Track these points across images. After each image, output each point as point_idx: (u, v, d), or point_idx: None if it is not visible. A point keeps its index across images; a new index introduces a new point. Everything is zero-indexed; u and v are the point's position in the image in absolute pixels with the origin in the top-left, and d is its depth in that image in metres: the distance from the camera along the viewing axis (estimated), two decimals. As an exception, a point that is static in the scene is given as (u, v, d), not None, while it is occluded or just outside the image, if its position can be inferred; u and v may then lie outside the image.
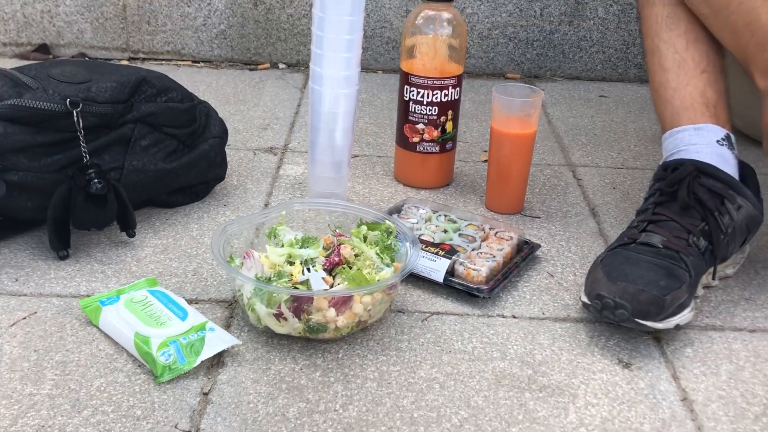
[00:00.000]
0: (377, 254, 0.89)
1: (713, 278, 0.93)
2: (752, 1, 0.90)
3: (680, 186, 0.91)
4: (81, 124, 0.96)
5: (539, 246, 1.03)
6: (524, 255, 1.00)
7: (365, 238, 0.92)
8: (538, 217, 1.13)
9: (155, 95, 1.05)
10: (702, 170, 0.92)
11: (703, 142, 0.95)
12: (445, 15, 1.13)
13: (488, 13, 1.68)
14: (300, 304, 0.81)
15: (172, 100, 1.06)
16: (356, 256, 0.89)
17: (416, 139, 1.17)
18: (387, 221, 0.92)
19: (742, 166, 1.00)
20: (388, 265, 0.88)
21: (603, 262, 0.88)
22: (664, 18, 0.99)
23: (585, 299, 0.87)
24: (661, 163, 0.97)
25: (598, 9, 1.67)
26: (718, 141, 0.95)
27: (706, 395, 0.79)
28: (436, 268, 0.94)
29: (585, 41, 1.70)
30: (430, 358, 0.83)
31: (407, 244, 0.90)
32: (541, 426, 0.75)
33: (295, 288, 0.83)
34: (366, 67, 1.72)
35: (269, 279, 0.83)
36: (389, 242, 0.90)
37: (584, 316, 0.91)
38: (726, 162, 0.95)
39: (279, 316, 0.81)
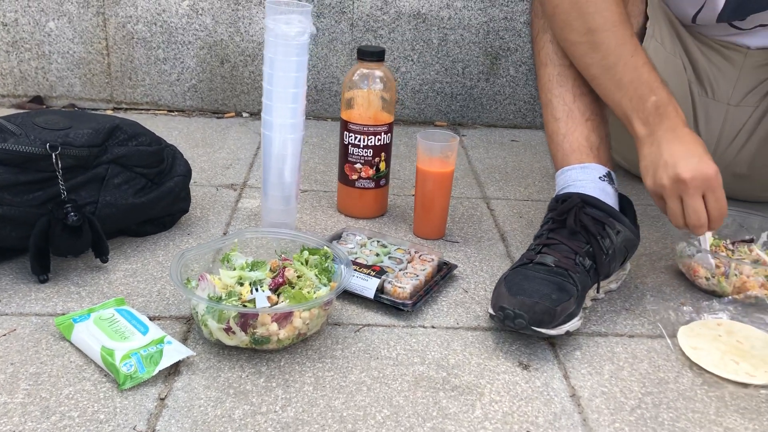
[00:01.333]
0: (316, 275, 0.88)
1: (597, 291, 0.93)
2: (636, 62, 0.93)
3: (568, 215, 0.92)
4: (60, 165, 0.93)
5: (456, 266, 1.03)
6: (443, 274, 1.00)
7: (307, 262, 0.91)
8: (457, 242, 1.13)
9: (127, 140, 1.03)
10: (587, 201, 0.93)
11: (588, 179, 0.97)
12: (377, 72, 1.13)
13: (419, 72, 1.69)
14: (246, 320, 0.79)
15: (142, 143, 1.04)
16: (298, 277, 0.88)
17: (355, 177, 1.17)
18: (325, 247, 0.91)
19: (622, 198, 1.02)
20: (325, 285, 0.87)
21: (506, 279, 0.89)
22: (555, 76, 1.01)
23: (491, 311, 0.87)
24: (554, 197, 0.98)
25: (510, 69, 1.69)
26: (600, 177, 0.97)
27: (591, 391, 0.80)
28: (367, 286, 0.93)
29: (499, 95, 1.72)
30: (360, 364, 0.82)
31: (342, 266, 0.89)
32: (452, 421, 0.74)
33: (243, 306, 0.82)
34: (318, 116, 1.72)
35: (220, 298, 0.82)
36: (327, 265, 0.89)
37: (492, 325, 0.91)
38: (607, 195, 0.96)
39: (228, 330, 0.79)
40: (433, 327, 0.90)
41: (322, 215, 1.20)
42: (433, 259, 1.01)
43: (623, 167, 1.47)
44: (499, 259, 1.09)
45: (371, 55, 1.12)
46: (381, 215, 1.21)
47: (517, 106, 1.73)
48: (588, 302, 0.95)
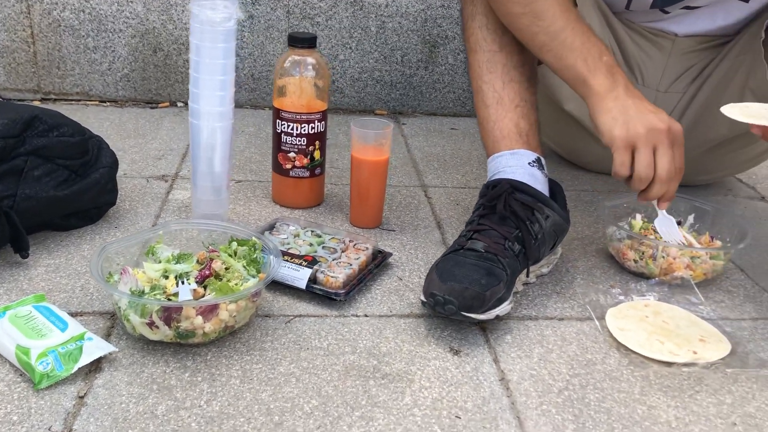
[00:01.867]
0: (244, 267, 0.86)
1: (527, 276, 0.94)
2: (582, 27, 0.93)
3: (498, 201, 0.93)
4: (-28, 157, 0.89)
5: (391, 254, 1.03)
6: (378, 262, 0.99)
7: (235, 253, 0.89)
8: (393, 230, 1.13)
9: (47, 130, 0.99)
10: (516, 187, 0.94)
11: (518, 164, 0.97)
12: (309, 59, 1.12)
13: (358, 60, 1.68)
14: (170, 314, 0.77)
15: (64, 134, 1.00)
16: (226, 269, 0.86)
17: (289, 166, 1.15)
18: (254, 238, 0.90)
19: (552, 183, 1.03)
20: (253, 276, 0.85)
21: (437, 265, 0.89)
22: (485, 63, 1.01)
23: (422, 298, 0.87)
24: (484, 183, 0.98)
25: (449, 57, 1.70)
26: (529, 163, 0.98)
27: (521, 375, 0.80)
28: (299, 276, 0.91)
29: (439, 83, 1.72)
30: (290, 355, 0.81)
31: (271, 257, 0.87)
32: (381, 409, 0.73)
33: (168, 299, 0.80)
34: (255, 105, 1.69)
35: (142, 292, 0.79)
36: (255, 256, 0.88)
37: (424, 312, 0.91)
38: (536, 180, 0.97)
39: (151, 324, 0.77)
40: (365, 316, 0.90)
41: (256, 206, 1.18)
42: (367, 248, 1.00)
43: (557, 153, 1.49)
44: (435, 246, 1.09)
45: (302, 41, 1.10)
46: (317, 205, 1.20)
47: (456, 94, 1.73)
48: (519, 286, 0.96)
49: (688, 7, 1.16)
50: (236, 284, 0.83)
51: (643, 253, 1.03)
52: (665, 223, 1.01)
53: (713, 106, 1.21)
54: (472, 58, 1.03)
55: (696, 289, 0.98)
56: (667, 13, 1.18)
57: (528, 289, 0.98)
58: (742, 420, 0.75)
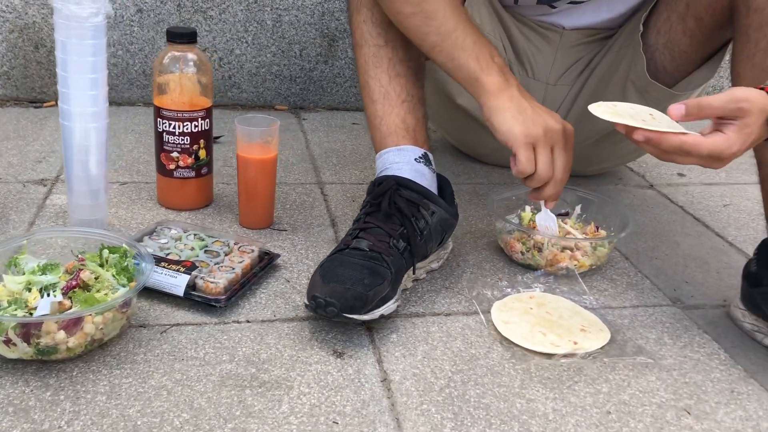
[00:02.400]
0: (114, 276, 0.82)
1: (413, 272, 0.94)
2: (472, 27, 0.93)
3: (383, 198, 0.92)
4: None
5: (278, 255, 1.00)
6: (264, 265, 0.97)
7: (107, 261, 0.84)
8: (285, 230, 1.10)
9: None
10: (401, 184, 0.93)
11: (404, 161, 0.96)
12: (190, 55, 1.07)
13: (255, 54, 1.64)
14: (29, 330, 0.72)
15: None
16: (96, 278, 0.82)
17: (172, 166, 1.11)
18: (125, 244, 0.86)
19: (440, 179, 1.03)
20: (124, 285, 0.81)
21: (322, 266, 0.87)
22: (370, 57, 1.00)
23: (305, 300, 0.85)
24: (371, 180, 0.97)
25: (348, 50, 1.68)
26: (416, 159, 0.97)
27: (403, 374, 0.80)
28: (176, 283, 0.88)
29: (339, 77, 1.70)
30: (163, 367, 0.77)
31: (143, 264, 0.83)
32: (256, 419, 0.71)
33: (30, 314, 0.75)
34: (147, 102, 1.62)
35: (-3, 307, 0.74)
36: (126, 264, 0.83)
37: (311, 314, 0.89)
38: (422, 176, 0.96)
39: (8, 342, 0.72)
40: (247, 321, 0.87)
41: (140, 209, 1.13)
42: (253, 250, 0.97)
43: (454, 145, 1.50)
44: (327, 245, 1.07)
45: (180, 36, 1.06)
46: (206, 206, 1.16)
47: (357, 88, 1.72)
48: (408, 283, 0.95)
49: (573, 2, 1.18)
50: (105, 294, 0.79)
51: (529, 245, 1.04)
52: (546, 219, 1.03)
53: (599, 98, 1.23)
54: (358, 53, 1.02)
55: (580, 279, 1.00)
56: (554, 8, 1.20)
57: (418, 285, 0.98)
58: (617, 408, 0.77)
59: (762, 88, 0.78)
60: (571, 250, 1.04)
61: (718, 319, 0.96)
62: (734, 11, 0.98)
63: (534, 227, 1.07)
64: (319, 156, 1.43)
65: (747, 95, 0.76)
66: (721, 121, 0.77)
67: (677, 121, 0.77)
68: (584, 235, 1.08)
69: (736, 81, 0.96)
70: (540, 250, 1.03)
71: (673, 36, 1.12)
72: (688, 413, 0.77)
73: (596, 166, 1.40)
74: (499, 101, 0.92)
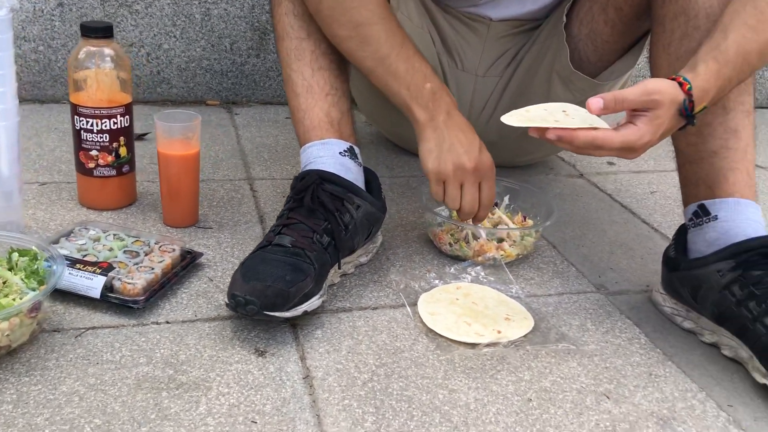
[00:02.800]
0: (23, 280, 0.79)
1: (339, 267, 0.93)
2: (407, 52, 0.95)
3: (306, 193, 0.91)
4: None
5: (201, 254, 0.98)
6: (185, 264, 0.95)
7: (16, 265, 0.81)
8: (211, 228, 1.08)
9: None
10: (324, 178, 0.92)
11: (328, 155, 0.96)
12: (107, 51, 1.04)
13: (184, 48, 1.60)
14: (-73, 339, 0.69)
15: None
16: (4, 283, 0.79)
17: (92, 165, 1.07)
18: (35, 247, 0.83)
19: (368, 173, 1.02)
20: (34, 290, 0.78)
21: (243, 264, 0.86)
22: (293, 50, 0.99)
23: (225, 299, 0.83)
24: (295, 175, 0.96)
25: (281, 43, 1.66)
26: (340, 153, 0.96)
27: (326, 370, 0.79)
28: (92, 285, 0.85)
29: (272, 71, 1.68)
30: (76, 372, 0.75)
31: (55, 266, 0.80)
32: (171, 421, 0.69)
33: (-72, 322, 0.71)
34: (72, 100, 1.57)
35: None
36: (36, 267, 0.81)
37: (233, 314, 0.87)
38: (348, 170, 0.96)
39: None
40: (167, 322, 0.85)
41: (60, 210, 1.09)
42: (174, 249, 0.95)
43: (393, 141, 1.50)
44: (254, 242, 1.05)
45: (95, 31, 1.03)
46: (129, 205, 1.13)
47: (291, 82, 1.70)
48: (335, 279, 0.95)
49: None
50: (13, 299, 0.76)
51: (458, 237, 1.05)
52: None
53: (526, 89, 1.26)
54: (280, 46, 1.01)
55: (506, 268, 1.01)
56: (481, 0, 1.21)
57: (345, 280, 0.97)
58: (538, 395, 0.78)
59: (674, 79, 0.80)
60: (502, 240, 1.05)
61: (641, 304, 0.98)
62: (651, 1, 1.00)
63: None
64: (250, 151, 1.41)
65: (659, 87, 0.78)
66: (634, 113, 0.79)
67: (597, 115, 0.78)
68: (514, 225, 1.09)
69: (653, 70, 0.98)
70: (468, 241, 1.04)
71: (595, 26, 1.14)
72: (608, 397, 0.79)
73: (527, 156, 1.42)
74: (425, 132, 0.96)
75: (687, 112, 0.80)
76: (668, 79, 0.80)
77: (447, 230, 1.05)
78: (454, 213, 1.10)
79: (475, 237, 1.04)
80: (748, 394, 0.81)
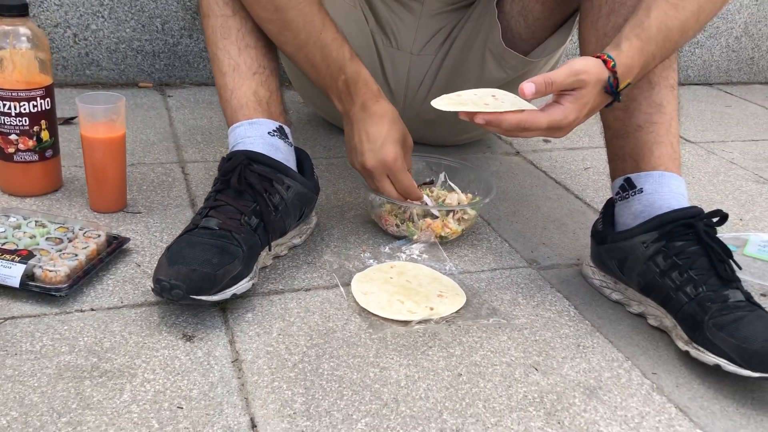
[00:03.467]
0: (-67, 270, 0.76)
1: (269, 250, 0.92)
2: (324, 39, 0.94)
3: (233, 174, 0.89)
4: None
5: (128, 239, 0.96)
6: (112, 250, 0.92)
7: (-74, 255, 0.78)
8: (140, 212, 1.06)
9: None
10: (252, 158, 0.91)
11: (256, 135, 0.94)
12: (22, 30, 1.00)
13: (113, 29, 1.55)
14: None
15: None
16: None
17: (12, 150, 1.03)
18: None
19: (300, 153, 1.01)
20: (-55, 279, 0.75)
21: (169, 248, 0.84)
22: (218, 28, 0.96)
23: (150, 284, 0.82)
24: (223, 156, 0.94)
25: (214, 23, 1.62)
26: (269, 132, 0.95)
27: (256, 353, 0.78)
28: (11, 274, 0.82)
29: (206, 51, 1.62)
30: (-8, 364, 0.73)
31: (-32, 255, 0.77)
32: (93, 410, 0.68)
33: None
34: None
35: None
36: (-53, 256, 0.77)
37: (160, 299, 0.85)
38: (277, 150, 0.94)
39: None
40: (92, 310, 0.83)
41: (-21, 197, 1.05)
42: (99, 235, 0.93)
43: (328, 120, 1.48)
44: (184, 226, 1.02)
45: (9, 9, 0.98)
46: (54, 191, 1.09)
47: (226, 63, 1.66)
48: (268, 261, 0.94)
49: None
50: None
51: (404, 218, 1.04)
52: None
53: (461, 67, 1.26)
54: (206, 23, 0.98)
55: (440, 246, 1.02)
56: None
57: (278, 262, 0.96)
58: (468, 369, 0.79)
59: (599, 57, 0.81)
60: (434, 217, 1.06)
61: (571, 277, 1.00)
62: (579, -22, 1.01)
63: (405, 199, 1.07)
64: (183, 134, 1.38)
65: (584, 67, 0.79)
66: (561, 92, 0.80)
67: (529, 100, 0.79)
68: (450, 203, 1.09)
69: (582, 46, 0.99)
70: (413, 221, 1.04)
71: (526, 3, 1.15)
72: (536, 369, 0.80)
73: (465, 135, 1.43)
74: (345, 125, 1.00)
75: (612, 89, 0.81)
76: (593, 57, 0.81)
77: (390, 211, 1.05)
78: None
79: (421, 216, 1.04)
80: (672, 362, 0.84)
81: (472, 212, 1.06)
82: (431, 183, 1.15)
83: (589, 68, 0.79)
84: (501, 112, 0.79)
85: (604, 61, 0.80)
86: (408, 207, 1.03)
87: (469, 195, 1.12)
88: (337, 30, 0.96)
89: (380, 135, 0.96)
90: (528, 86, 0.78)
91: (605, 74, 0.80)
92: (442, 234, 1.04)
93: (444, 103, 0.82)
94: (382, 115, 0.97)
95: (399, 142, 0.97)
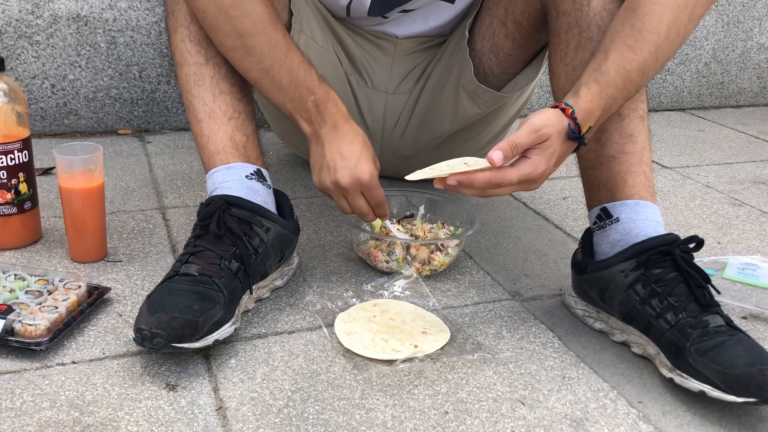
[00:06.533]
0: None
1: (251, 293, 0.92)
2: (291, 63, 0.94)
3: (212, 219, 0.89)
4: None
5: (109, 289, 0.95)
6: (92, 300, 0.92)
7: None
8: (120, 261, 1.05)
9: None
10: (230, 202, 0.91)
11: (234, 179, 0.95)
12: (-2, 84, 1.01)
13: (90, 78, 1.56)
14: None
15: None
16: None
17: (-10, 204, 1.03)
18: None
19: (279, 195, 1.02)
20: None
21: (150, 296, 0.83)
22: (192, 77, 0.98)
23: (132, 334, 0.81)
24: (202, 201, 0.95)
25: (192, 69, 1.63)
26: (247, 176, 0.96)
27: (240, 400, 0.78)
28: (-11, 330, 0.82)
29: (185, 97, 1.65)
30: (-29, 423, 0.71)
31: (-55, 313, 0.77)
32: (75, 467, 0.67)
33: None
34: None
35: None
36: (-76, 315, 0.76)
37: (143, 349, 0.85)
38: (255, 193, 0.95)
39: None
40: (73, 363, 0.82)
41: (-43, 252, 1.04)
42: (79, 286, 0.92)
43: (304, 157, 1.49)
44: (165, 273, 1.03)
45: (-15, 64, 0.99)
46: (34, 242, 1.09)
47: (205, 107, 1.68)
48: (250, 305, 0.94)
49: (404, 11, 1.21)
50: None
51: (395, 253, 1.05)
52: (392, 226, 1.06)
53: (436, 103, 1.28)
54: (180, 73, 0.99)
55: (422, 282, 1.02)
56: (386, 18, 1.23)
57: (260, 305, 0.96)
58: (455, 407, 0.78)
59: (557, 106, 0.84)
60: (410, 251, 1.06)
61: (554, 308, 1.00)
62: (547, 15, 1.03)
63: (387, 233, 1.08)
64: (163, 179, 1.38)
65: (544, 121, 0.82)
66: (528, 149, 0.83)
67: (499, 166, 0.82)
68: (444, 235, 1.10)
69: (552, 80, 1.01)
70: (409, 257, 1.04)
71: (496, 40, 1.17)
72: (523, 403, 0.80)
73: (443, 170, 1.44)
74: (311, 146, 0.99)
75: (575, 135, 0.84)
76: (551, 108, 0.84)
77: (375, 246, 1.06)
78: (377, 228, 1.10)
79: (405, 247, 1.05)
80: (657, 389, 0.84)
81: (454, 243, 1.07)
82: (411, 216, 1.16)
83: (549, 121, 0.82)
84: (471, 171, 0.82)
85: (563, 110, 0.83)
86: (393, 240, 1.04)
87: (451, 227, 1.13)
88: (303, 54, 0.96)
89: (354, 153, 0.96)
90: (496, 155, 0.80)
91: (565, 122, 0.83)
92: (430, 268, 1.05)
93: (418, 176, 0.86)
94: (355, 135, 0.97)
95: (372, 160, 0.98)
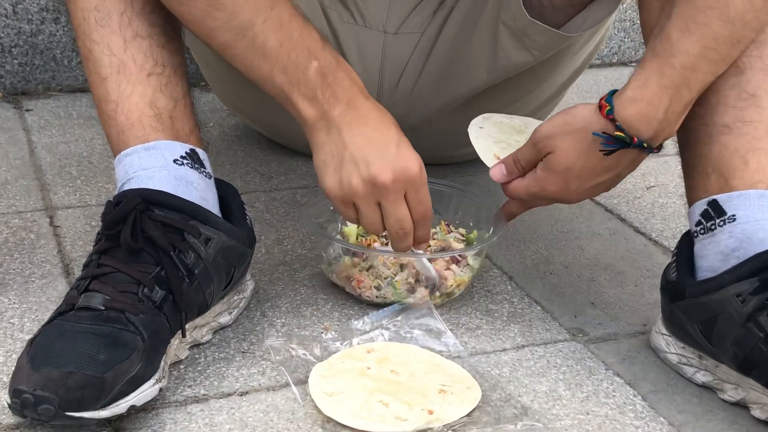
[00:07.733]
0: None
1: (183, 336, 0.92)
2: (279, 15, 0.95)
3: (124, 225, 0.89)
4: None
5: (-30, 331, 0.96)
6: (-55, 348, 0.92)
7: None
8: (-14, 289, 1.06)
9: None
10: (152, 200, 0.91)
11: (156, 165, 0.95)
12: None
13: (-61, 15, 1.57)
14: None
15: None
16: None
17: None
18: None
19: (224, 187, 1.02)
20: None
21: (32, 342, 0.84)
22: (92, 11, 0.97)
23: (7, 398, 0.81)
24: (108, 200, 0.94)
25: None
26: (176, 161, 0.96)
27: (167, 496, 0.78)
28: None
29: (81, 42, 1.66)
30: None
31: None
32: None
33: None
34: None
35: None
36: None
37: (22, 421, 0.84)
38: (189, 185, 0.95)
39: None
40: None
41: None
42: (-74, 327, 0.92)
43: (261, 133, 1.50)
44: (55, 305, 1.02)
45: None
46: None
47: (111, 57, 1.69)
48: (181, 352, 0.94)
49: None
50: None
51: (387, 275, 1.05)
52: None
53: (462, 49, 1.28)
54: (73, 6, 0.99)
55: (436, 314, 1.02)
56: None
57: (200, 352, 0.97)
58: (489, 502, 0.79)
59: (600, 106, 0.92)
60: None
61: (636, 352, 1.01)
62: None
63: (370, 244, 1.08)
64: (50, 166, 1.39)
65: (551, 129, 0.95)
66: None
67: (500, 182, 1.00)
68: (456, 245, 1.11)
69: (642, 13, 1.03)
70: (417, 281, 1.06)
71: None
72: (591, 496, 0.80)
73: (465, 149, 1.43)
74: (316, 135, 0.97)
75: (611, 143, 0.92)
76: (588, 104, 0.94)
77: (354, 264, 1.06)
78: (352, 237, 1.11)
79: (394, 274, 1.05)
80: (791, 472, 0.84)
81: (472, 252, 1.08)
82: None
83: (556, 130, 0.94)
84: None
85: (600, 107, 0.91)
86: (372, 255, 1.05)
87: (461, 229, 1.14)
88: (293, 6, 0.97)
89: (391, 139, 0.96)
90: (498, 169, 0.99)
91: (595, 127, 0.92)
92: (443, 291, 1.05)
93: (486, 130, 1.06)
94: (382, 115, 0.98)
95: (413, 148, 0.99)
